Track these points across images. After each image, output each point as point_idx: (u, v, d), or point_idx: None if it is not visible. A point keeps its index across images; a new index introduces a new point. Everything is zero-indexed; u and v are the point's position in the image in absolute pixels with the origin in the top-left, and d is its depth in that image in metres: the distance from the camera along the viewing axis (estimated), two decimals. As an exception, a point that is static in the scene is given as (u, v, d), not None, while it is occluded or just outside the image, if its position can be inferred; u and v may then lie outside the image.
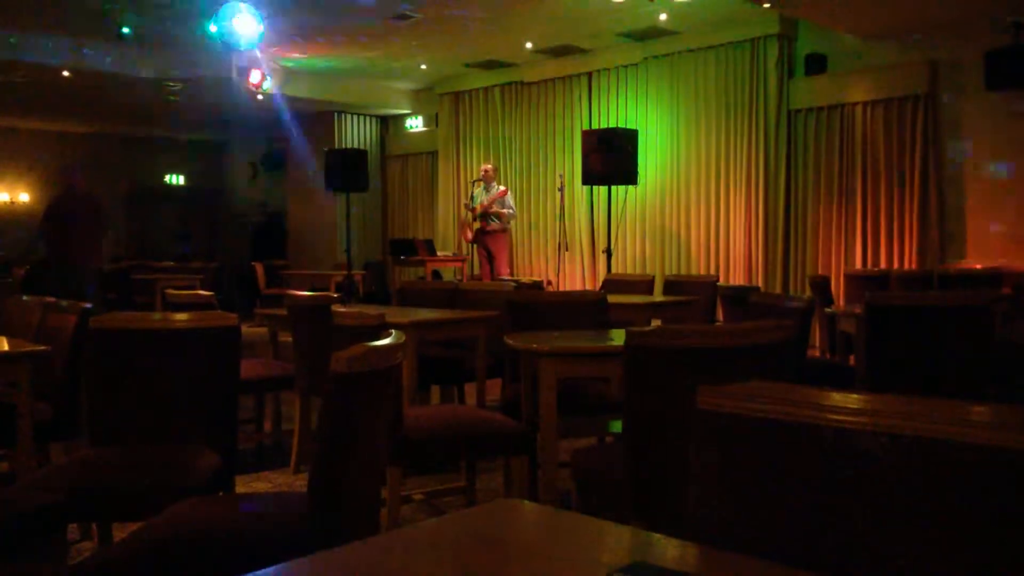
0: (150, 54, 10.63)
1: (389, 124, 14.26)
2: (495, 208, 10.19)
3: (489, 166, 10.71)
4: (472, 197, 10.53)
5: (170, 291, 5.17)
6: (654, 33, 9.83)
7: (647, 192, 10.27)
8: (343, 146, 13.06)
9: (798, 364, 3.41)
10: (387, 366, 1.93)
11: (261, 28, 7.97)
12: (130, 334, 2.86)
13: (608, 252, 8.83)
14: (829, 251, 9.11)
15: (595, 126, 10.47)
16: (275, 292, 11.43)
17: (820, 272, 8.73)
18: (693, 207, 9.97)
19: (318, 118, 13.65)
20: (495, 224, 10.22)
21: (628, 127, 9.61)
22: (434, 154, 13.18)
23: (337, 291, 8.60)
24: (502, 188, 10.51)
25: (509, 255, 10.87)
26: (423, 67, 11.74)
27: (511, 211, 10.37)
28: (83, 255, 8.52)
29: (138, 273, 12.86)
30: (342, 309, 3.27)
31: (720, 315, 6.08)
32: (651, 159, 10.14)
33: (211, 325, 2.87)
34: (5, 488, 2.78)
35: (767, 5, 8.40)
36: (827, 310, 5.66)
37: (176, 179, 17.99)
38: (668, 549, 1.03)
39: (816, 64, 9.21)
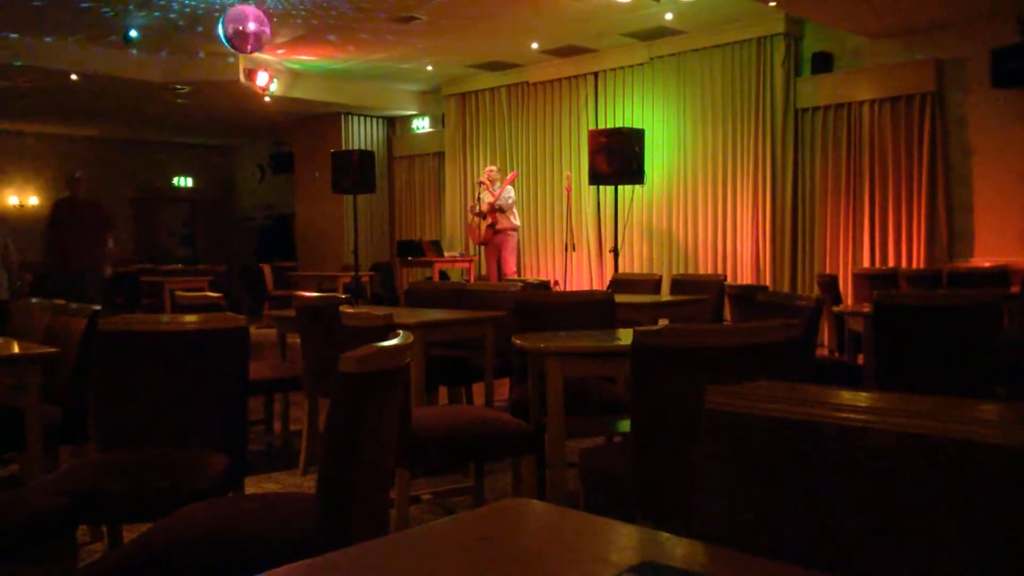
0: (157, 57, 10.67)
1: (396, 125, 14.28)
2: (501, 195, 10.17)
3: (494, 168, 10.72)
4: (478, 199, 10.53)
5: (179, 293, 5.19)
6: (660, 33, 9.83)
7: (654, 191, 10.26)
8: (350, 147, 13.08)
9: (806, 363, 3.40)
10: (395, 367, 1.93)
11: (268, 30, 7.99)
12: (139, 336, 2.87)
13: (615, 252, 8.82)
14: (837, 250, 9.09)
15: (601, 126, 10.46)
16: (283, 294, 11.46)
17: (828, 271, 8.71)
18: (700, 206, 9.96)
19: (325, 120, 13.68)
20: (504, 222, 10.19)
21: (634, 127, 9.61)
22: (441, 155, 13.19)
23: (345, 292, 8.61)
24: (509, 176, 10.51)
25: (516, 255, 10.87)
26: (429, 68, 11.75)
27: (510, 203, 10.33)
28: (86, 261, 8.58)
29: (146, 276, 12.92)
30: (350, 310, 3.27)
31: (728, 314, 6.07)
32: (658, 158, 10.13)
33: (219, 327, 2.88)
34: (14, 491, 2.79)
35: (773, 4, 8.38)
36: (835, 309, 5.65)
37: (184, 182, 18.05)
38: (676, 548, 1.03)
39: (822, 63, 9.19)
